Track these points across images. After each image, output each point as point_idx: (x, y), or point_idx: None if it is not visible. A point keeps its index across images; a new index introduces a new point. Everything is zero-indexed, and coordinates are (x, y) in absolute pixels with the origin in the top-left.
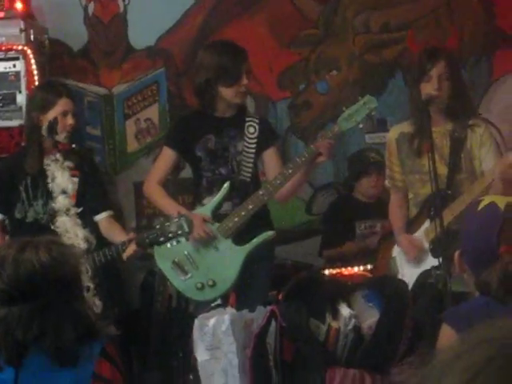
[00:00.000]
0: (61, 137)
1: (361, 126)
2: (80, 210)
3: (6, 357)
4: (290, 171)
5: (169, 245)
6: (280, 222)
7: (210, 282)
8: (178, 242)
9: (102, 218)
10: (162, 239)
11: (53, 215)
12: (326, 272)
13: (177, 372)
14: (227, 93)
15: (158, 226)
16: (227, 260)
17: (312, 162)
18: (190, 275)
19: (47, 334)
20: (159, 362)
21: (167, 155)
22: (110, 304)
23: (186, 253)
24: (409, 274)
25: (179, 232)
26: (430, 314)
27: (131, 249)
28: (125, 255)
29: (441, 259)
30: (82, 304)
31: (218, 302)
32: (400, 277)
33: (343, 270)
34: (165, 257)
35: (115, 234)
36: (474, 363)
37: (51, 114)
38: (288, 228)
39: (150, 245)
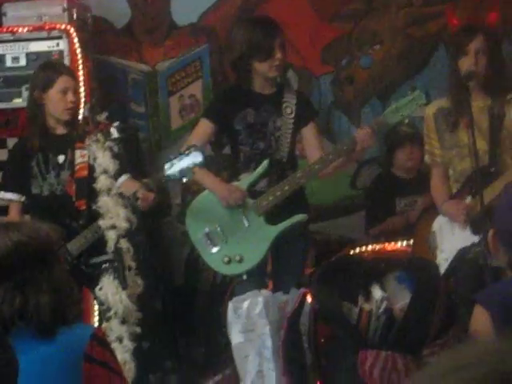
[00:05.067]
0: (62, 114)
1: (406, 121)
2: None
3: None
4: (331, 157)
5: (201, 216)
6: (324, 197)
7: (238, 258)
8: (210, 213)
9: (121, 181)
10: (177, 175)
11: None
12: (370, 248)
13: (221, 348)
14: (262, 67)
15: (167, 165)
16: (257, 237)
17: (353, 150)
18: (218, 248)
19: (29, 307)
20: (203, 338)
21: (204, 126)
22: (155, 281)
23: (217, 225)
24: (448, 249)
25: (193, 163)
26: (468, 289)
27: (148, 196)
28: (141, 203)
29: (481, 236)
30: (61, 273)
31: (244, 277)
32: (439, 252)
33: (386, 245)
34: (196, 228)
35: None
36: (470, 379)
37: (52, 92)
38: (332, 203)
39: (166, 182)
